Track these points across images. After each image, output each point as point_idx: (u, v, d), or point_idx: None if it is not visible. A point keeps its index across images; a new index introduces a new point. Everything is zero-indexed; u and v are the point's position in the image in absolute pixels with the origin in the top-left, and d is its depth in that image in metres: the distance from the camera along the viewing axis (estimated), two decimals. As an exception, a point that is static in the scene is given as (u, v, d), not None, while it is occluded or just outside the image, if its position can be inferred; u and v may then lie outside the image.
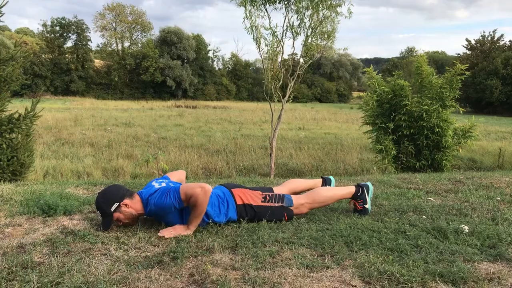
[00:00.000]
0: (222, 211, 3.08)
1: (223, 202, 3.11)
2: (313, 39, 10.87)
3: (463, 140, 9.37)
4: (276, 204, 3.21)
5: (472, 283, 2.12)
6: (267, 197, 3.23)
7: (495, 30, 51.13)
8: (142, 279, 2.13)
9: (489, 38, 51.28)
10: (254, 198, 3.20)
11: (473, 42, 52.07)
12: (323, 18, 10.49)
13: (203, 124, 23.14)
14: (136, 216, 3.01)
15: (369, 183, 3.51)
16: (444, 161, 8.87)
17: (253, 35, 10.47)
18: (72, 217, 3.20)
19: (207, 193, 2.85)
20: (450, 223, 3.07)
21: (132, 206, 2.98)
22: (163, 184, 3.13)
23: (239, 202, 3.15)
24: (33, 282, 2.04)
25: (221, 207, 3.09)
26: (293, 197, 3.30)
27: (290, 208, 3.23)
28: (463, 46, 53.03)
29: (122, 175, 10.66)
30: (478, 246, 2.64)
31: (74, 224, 3.02)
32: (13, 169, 5.88)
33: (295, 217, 3.25)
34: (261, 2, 10.40)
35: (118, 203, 2.92)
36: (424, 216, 3.32)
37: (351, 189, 3.45)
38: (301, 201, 3.29)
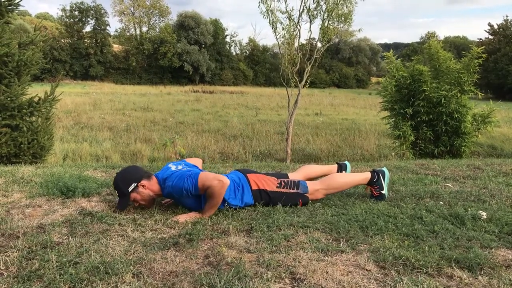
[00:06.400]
0: (237, 196, 3.08)
1: (239, 187, 3.12)
2: (330, 22, 10.77)
3: (482, 126, 9.20)
4: (291, 191, 3.19)
5: (489, 269, 2.09)
6: (282, 183, 3.22)
7: (519, 14, 49.70)
8: (158, 260, 2.16)
9: (512, 23, 49.88)
10: (269, 184, 3.19)
11: (495, 26, 50.72)
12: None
13: (220, 109, 23.17)
14: (153, 198, 3.04)
15: (384, 169, 3.48)
16: (463, 147, 8.72)
17: (269, 19, 10.42)
18: (90, 199, 3.26)
19: (224, 186, 2.86)
20: (468, 209, 3.03)
21: (149, 187, 3.01)
22: (180, 167, 3.15)
23: (254, 187, 3.15)
24: (52, 261, 2.08)
25: (236, 192, 3.09)
26: (308, 183, 3.28)
27: (305, 194, 3.21)
28: (485, 30, 51.73)
29: (140, 158, 10.79)
30: (496, 232, 2.60)
31: (92, 205, 3.07)
32: (34, 152, 5.98)
33: (310, 202, 3.24)
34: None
35: (135, 184, 2.96)
36: (441, 202, 3.28)
37: (367, 175, 3.42)
38: (316, 187, 3.28)
